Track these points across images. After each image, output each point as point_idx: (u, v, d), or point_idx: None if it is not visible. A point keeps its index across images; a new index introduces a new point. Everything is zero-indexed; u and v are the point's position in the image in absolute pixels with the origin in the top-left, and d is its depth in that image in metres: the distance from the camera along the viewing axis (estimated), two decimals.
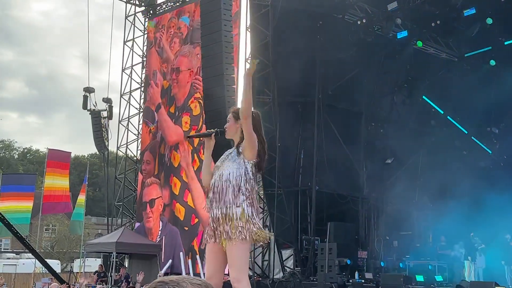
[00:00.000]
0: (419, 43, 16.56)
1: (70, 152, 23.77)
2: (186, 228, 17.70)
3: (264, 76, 16.09)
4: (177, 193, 18.39)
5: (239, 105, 4.33)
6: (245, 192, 4.07)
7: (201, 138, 4.54)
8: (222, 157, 4.28)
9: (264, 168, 4.29)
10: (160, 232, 18.85)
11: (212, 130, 4.28)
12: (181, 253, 16.80)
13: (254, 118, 4.21)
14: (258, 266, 16.81)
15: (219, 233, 4.05)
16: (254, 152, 4.15)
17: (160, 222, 18.95)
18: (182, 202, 18.11)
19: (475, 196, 15.92)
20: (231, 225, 4.00)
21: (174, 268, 17.32)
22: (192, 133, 16.68)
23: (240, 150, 4.16)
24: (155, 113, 20.14)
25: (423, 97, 19.09)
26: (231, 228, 3.99)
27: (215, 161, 4.36)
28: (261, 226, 4.14)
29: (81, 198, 23.54)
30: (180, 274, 15.63)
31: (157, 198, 19.23)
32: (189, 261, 17.12)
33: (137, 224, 20.00)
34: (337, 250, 14.71)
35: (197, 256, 16.69)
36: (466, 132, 19.17)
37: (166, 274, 15.63)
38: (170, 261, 16.99)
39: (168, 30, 20.46)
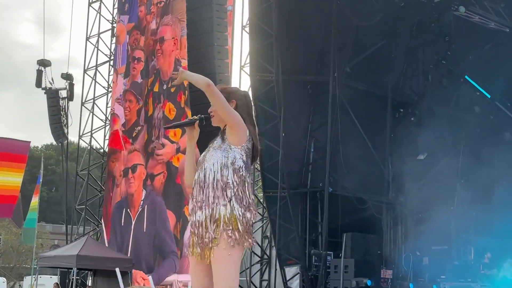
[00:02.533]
0: (461, 9, 16.55)
1: (29, 142, 23.71)
2: None
3: (266, 49, 16.09)
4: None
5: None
6: (232, 185, 4.09)
7: (182, 128, 4.54)
8: (206, 150, 4.31)
9: (257, 157, 4.32)
10: (142, 202, 19.61)
11: (195, 116, 4.28)
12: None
13: (241, 99, 4.27)
14: (256, 287, 16.89)
15: (202, 241, 4.07)
16: (241, 134, 4.16)
17: (144, 191, 19.55)
18: None
19: None
20: (216, 229, 4.01)
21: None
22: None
23: (225, 136, 4.19)
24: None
25: (466, 77, 19.11)
26: (216, 233, 4.01)
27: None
28: (252, 230, 4.18)
29: (35, 200, 23.54)
30: None
31: (139, 164, 19.71)
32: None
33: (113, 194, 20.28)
34: (355, 268, 14.77)
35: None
36: None
37: None
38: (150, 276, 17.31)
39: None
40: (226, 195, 4.07)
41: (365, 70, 17.38)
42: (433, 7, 16.83)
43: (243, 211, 4.09)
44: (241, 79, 17.18)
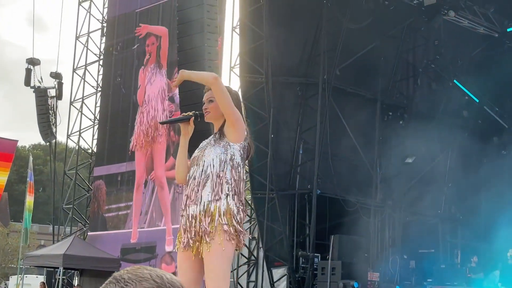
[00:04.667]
0: (451, 13, 16.64)
1: (17, 141, 23.58)
2: None
3: (256, 50, 16.13)
4: None
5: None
6: (230, 181, 4.10)
7: (177, 124, 4.56)
8: (200, 146, 4.32)
9: (251, 155, 4.34)
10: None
11: (190, 113, 4.30)
12: None
13: (234, 99, 4.28)
14: None
15: (195, 235, 4.08)
16: (240, 131, 4.19)
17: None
18: None
19: None
20: (211, 224, 4.02)
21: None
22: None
23: (224, 132, 4.20)
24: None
25: (454, 81, 19.22)
26: (211, 227, 4.01)
27: (190, 152, 4.41)
28: (244, 229, 4.19)
29: (30, 200, 23.38)
30: None
31: None
32: None
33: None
34: (342, 270, 14.78)
35: None
36: (507, 127, 19.33)
37: None
38: None
39: None
40: (223, 190, 4.08)
41: (354, 73, 17.42)
42: (423, 11, 16.89)
43: (238, 208, 4.11)
44: (230, 80, 17.21)
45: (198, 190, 4.11)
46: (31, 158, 23.72)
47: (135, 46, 20.52)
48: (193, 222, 4.09)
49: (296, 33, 16.86)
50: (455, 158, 19.09)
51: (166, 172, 18.61)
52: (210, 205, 4.06)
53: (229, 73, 17.08)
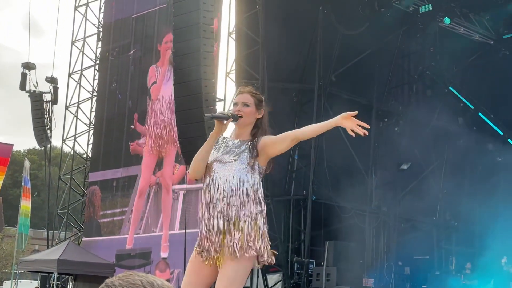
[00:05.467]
0: (447, 20, 16.71)
1: (12, 145, 23.53)
2: None
3: (252, 55, 16.16)
4: None
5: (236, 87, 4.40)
6: (261, 202, 4.19)
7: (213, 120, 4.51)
8: (224, 150, 4.28)
9: None
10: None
11: (230, 113, 4.30)
12: None
13: (265, 111, 4.39)
14: None
15: (217, 247, 4.11)
16: (268, 161, 4.30)
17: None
18: None
19: None
20: (241, 237, 4.08)
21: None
22: None
23: (257, 152, 4.23)
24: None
25: (450, 88, 19.27)
26: (241, 240, 4.07)
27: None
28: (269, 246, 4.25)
29: (26, 204, 23.30)
30: None
31: None
32: None
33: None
34: (337, 276, 14.79)
35: None
36: (502, 133, 19.38)
37: None
38: None
39: None
40: (255, 209, 4.15)
41: (350, 79, 17.47)
42: (418, 18, 16.99)
43: (264, 227, 4.19)
44: (226, 85, 17.20)
45: (230, 203, 4.13)
46: (27, 163, 23.66)
47: (131, 52, 20.53)
48: (223, 234, 4.12)
49: (292, 39, 16.90)
50: (450, 165, 19.13)
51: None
52: (241, 221, 4.12)
53: (225, 78, 17.07)
